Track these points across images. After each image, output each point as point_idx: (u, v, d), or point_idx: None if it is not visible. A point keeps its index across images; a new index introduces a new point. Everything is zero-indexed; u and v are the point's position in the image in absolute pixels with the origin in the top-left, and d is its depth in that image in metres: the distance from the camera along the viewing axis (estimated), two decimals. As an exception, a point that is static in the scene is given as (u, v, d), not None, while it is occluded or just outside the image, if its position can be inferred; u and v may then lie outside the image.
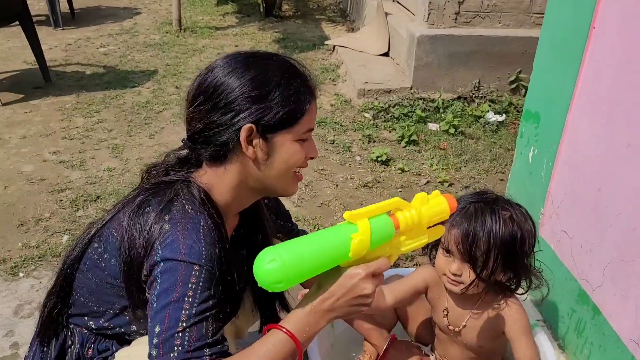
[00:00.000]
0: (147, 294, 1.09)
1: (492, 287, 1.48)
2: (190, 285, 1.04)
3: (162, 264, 1.06)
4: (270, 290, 0.98)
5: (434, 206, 1.09)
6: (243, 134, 1.12)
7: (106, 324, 1.24)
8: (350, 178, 3.03)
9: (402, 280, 1.66)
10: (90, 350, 1.25)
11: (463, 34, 3.71)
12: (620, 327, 1.49)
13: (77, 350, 1.24)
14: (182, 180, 1.19)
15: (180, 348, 1.01)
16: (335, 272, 1.05)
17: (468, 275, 1.41)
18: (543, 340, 1.65)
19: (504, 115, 3.65)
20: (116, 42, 5.11)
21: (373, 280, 1.05)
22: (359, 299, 1.06)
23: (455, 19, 3.73)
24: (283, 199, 2.69)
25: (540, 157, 1.90)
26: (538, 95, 1.94)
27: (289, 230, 1.63)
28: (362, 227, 0.99)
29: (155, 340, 1.02)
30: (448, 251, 1.43)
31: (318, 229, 2.58)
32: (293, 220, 1.70)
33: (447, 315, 1.57)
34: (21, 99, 3.83)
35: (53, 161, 3.06)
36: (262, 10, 6.05)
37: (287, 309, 1.51)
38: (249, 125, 1.12)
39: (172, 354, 1.00)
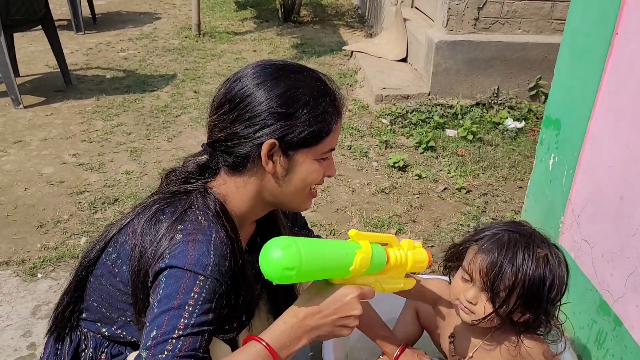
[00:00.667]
0: (150, 299, 1.08)
1: (507, 325, 1.37)
2: (192, 295, 1.03)
3: (167, 270, 1.05)
4: (276, 281, 0.98)
5: (418, 254, 1.18)
6: (264, 149, 1.11)
7: (118, 331, 1.23)
8: (367, 184, 3.02)
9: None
10: (104, 354, 1.24)
11: (482, 40, 3.68)
12: (642, 339, 1.46)
13: (90, 354, 1.24)
14: (199, 190, 1.17)
15: (170, 353, 0.99)
16: (326, 288, 1.08)
17: (483, 306, 1.32)
18: (565, 355, 1.61)
19: (523, 122, 3.61)
20: (136, 47, 5.17)
21: (360, 303, 1.08)
22: (346, 320, 1.08)
23: (475, 24, 3.71)
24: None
25: (560, 165, 1.87)
26: (559, 101, 1.92)
27: (306, 237, 1.62)
28: (364, 247, 1.05)
29: (149, 343, 1.00)
30: (469, 276, 1.34)
31: (334, 234, 2.57)
32: (309, 226, 1.69)
33: (453, 342, 1.50)
34: (42, 102, 3.89)
35: (72, 164, 3.09)
36: (280, 15, 6.08)
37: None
38: (272, 140, 1.11)
39: (160, 356, 0.99)
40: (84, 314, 1.26)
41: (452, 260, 1.45)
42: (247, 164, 1.15)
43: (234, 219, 1.18)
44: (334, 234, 2.57)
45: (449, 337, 1.51)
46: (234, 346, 1.22)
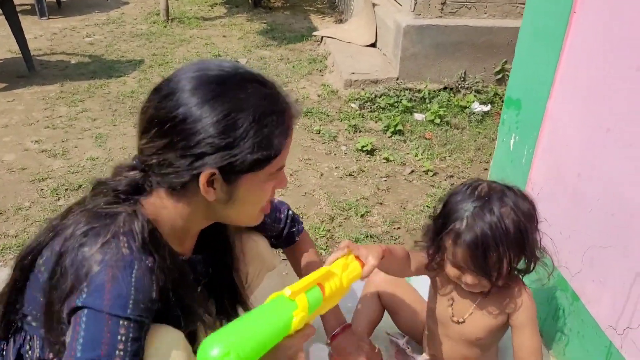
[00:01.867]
0: (66, 336, 1.00)
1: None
2: (120, 338, 0.96)
3: (85, 311, 0.97)
4: None
5: (351, 273, 1.19)
6: (203, 179, 1.01)
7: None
8: (336, 167, 3.02)
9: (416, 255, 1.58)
10: (52, 353, 1.15)
11: (449, 24, 3.70)
12: (598, 314, 1.49)
13: (37, 355, 1.15)
14: (127, 213, 1.05)
15: None
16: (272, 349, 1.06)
17: (485, 282, 1.39)
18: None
19: (489, 105, 3.65)
20: (102, 32, 5.06)
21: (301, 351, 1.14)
22: None
23: (442, 9, 3.72)
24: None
25: (521, 145, 1.90)
26: (519, 82, 1.94)
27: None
28: (300, 304, 1.05)
29: None
30: (459, 267, 1.39)
31: (302, 217, 2.57)
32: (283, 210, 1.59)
33: (452, 305, 1.53)
34: (4, 88, 3.78)
35: (35, 150, 3.02)
36: (250, 0, 6.01)
37: (243, 303, 1.44)
38: (210, 171, 1.00)
39: None
40: (27, 318, 1.16)
41: (435, 255, 1.47)
42: (186, 190, 1.05)
43: (165, 240, 1.09)
44: (301, 218, 2.56)
45: (448, 301, 1.54)
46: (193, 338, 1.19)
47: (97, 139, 3.16)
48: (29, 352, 1.17)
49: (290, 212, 1.60)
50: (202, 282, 1.30)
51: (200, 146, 0.99)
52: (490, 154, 3.17)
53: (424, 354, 1.72)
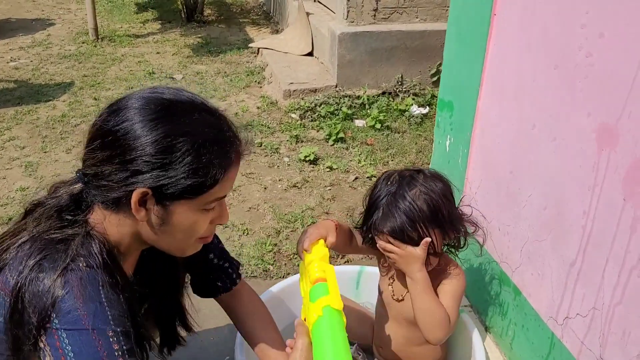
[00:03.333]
0: None
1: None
2: (117, 354, 0.95)
3: (64, 334, 0.93)
4: None
5: (321, 254, 1.31)
6: (134, 197, 0.99)
7: None
8: (279, 180, 2.99)
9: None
10: None
11: (383, 30, 3.75)
12: (539, 306, 1.53)
13: None
14: (81, 234, 1.03)
15: None
16: None
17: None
18: (470, 326, 1.67)
19: (428, 107, 3.72)
20: (28, 55, 4.85)
21: None
22: None
23: (374, 15, 3.77)
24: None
25: (456, 145, 1.93)
26: (450, 84, 1.97)
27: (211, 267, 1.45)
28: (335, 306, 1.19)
29: None
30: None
31: (247, 234, 2.52)
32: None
33: (392, 283, 1.58)
34: None
35: (-41, 184, 2.85)
36: (183, 15, 5.92)
37: (186, 326, 1.42)
38: (143, 190, 0.98)
39: None
40: None
41: (373, 248, 1.53)
42: (120, 208, 1.03)
43: (119, 260, 1.07)
44: (247, 234, 2.52)
45: (389, 279, 1.59)
46: None
47: (27, 168, 3.02)
48: None
49: (229, 261, 1.52)
50: (144, 306, 1.25)
51: (136, 163, 0.98)
52: (431, 156, 3.23)
53: (373, 359, 1.72)
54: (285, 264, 2.34)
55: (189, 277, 1.48)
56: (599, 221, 1.25)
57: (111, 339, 0.95)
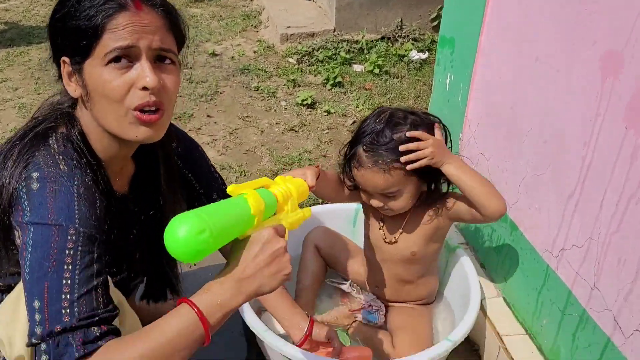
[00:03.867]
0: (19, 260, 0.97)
1: (423, 198, 1.51)
2: (67, 252, 0.92)
3: (31, 228, 0.94)
4: (185, 262, 0.85)
5: (296, 183, 1.11)
6: (62, 71, 1.03)
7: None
8: (276, 123, 2.97)
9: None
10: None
11: (383, -29, 3.65)
12: (535, 239, 1.54)
13: None
14: (58, 120, 1.06)
15: (68, 323, 0.89)
16: (242, 242, 0.97)
17: (393, 203, 1.46)
18: (465, 261, 1.69)
19: (427, 52, 3.66)
20: (18, -3, 4.73)
21: (281, 238, 0.97)
22: (276, 260, 0.95)
23: (374, -44, 3.66)
24: (207, 150, 2.61)
25: (456, 83, 1.90)
26: (451, 20, 1.93)
27: (198, 196, 1.42)
28: (249, 192, 0.97)
29: (37, 317, 0.89)
30: (365, 190, 1.47)
31: (245, 176, 2.52)
32: (216, 170, 1.48)
33: (382, 227, 1.58)
34: None
35: (-48, 125, 2.82)
36: (177, -42, 5.73)
37: (176, 292, 1.40)
38: (62, 59, 1.02)
39: (57, 328, 0.89)
40: None
41: (348, 180, 1.52)
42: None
43: (98, 154, 1.08)
44: (245, 175, 2.52)
45: (379, 222, 1.59)
46: (125, 287, 1.15)
47: (21, 109, 2.98)
48: None
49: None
50: (136, 228, 1.25)
51: (49, 33, 1.04)
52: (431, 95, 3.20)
53: (368, 293, 1.75)
54: (283, 204, 2.35)
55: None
56: (600, 151, 1.25)
57: (69, 237, 0.93)
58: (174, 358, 0.88)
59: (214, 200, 1.44)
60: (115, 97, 0.99)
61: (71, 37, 0.99)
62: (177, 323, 0.88)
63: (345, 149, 1.51)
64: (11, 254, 1.06)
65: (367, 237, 1.66)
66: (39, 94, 3.15)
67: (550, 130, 1.42)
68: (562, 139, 1.38)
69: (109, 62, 0.97)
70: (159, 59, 1.02)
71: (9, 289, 1.11)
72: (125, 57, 0.98)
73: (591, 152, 1.27)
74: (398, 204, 1.46)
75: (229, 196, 1.48)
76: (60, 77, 1.07)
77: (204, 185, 1.42)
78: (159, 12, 1.02)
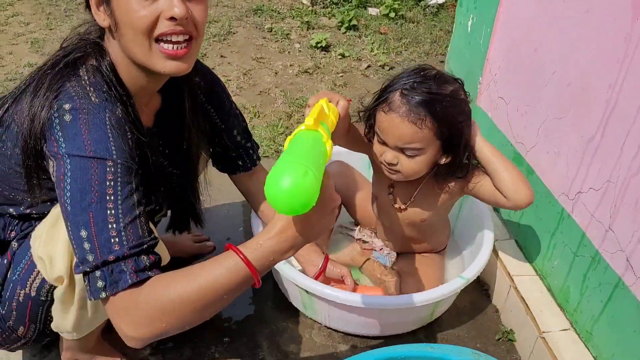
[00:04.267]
0: (55, 190, 0.99)
1: (438, 169, 1.43)
2: (108, 183, 0.95)
3: (68, 160, 0.96)
4: (300, 212, 0.82)
5: (332, 110, 1.15)
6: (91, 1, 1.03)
7: (27, 210, 1.17)
8: (290, 65, 2.94)
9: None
10: (13, 232, 1.18)
11: None
12: (551, 183, 1.55)
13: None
14: (89, 54, 1.06)
15: (119, 251, 0.93)
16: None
17: (406, 164, 1.36)
18: (477, 203, 1.71)
19: (445, -3, 3.58)
20: None
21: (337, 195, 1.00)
22: (332, 212, 0.98)
23: None
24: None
25: (479, 25, 1.87)
26: (477, -41, 1.88)
27: (220, 132, 1.44)
28: (322, 130, 0.98)
29: (87, 245, 0.93)
30: (383, 140, 1.36)
31: (258, 116, 2.52)
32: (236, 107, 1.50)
33: (392, 191, 1.54)
34: None
35: (-35, 58, 2.81)
36: None
37: (197, 218, 1.44)
38: None
39: (110, 257, 0.93)
40: None
41: (369, 123, 1.43)
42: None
43: (128, 87, 1.09)
44: (258, 116, 2.52)
45: (389, 188, 1.54)
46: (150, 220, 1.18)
47: (33, 44, 2.95)
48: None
49: (252, 143, 1.52)
50: (162, 161, 1.27)
51: None
52: (446, 47, 3.15)
53: (379, 240, 1.76)
54: (297, 145, 2.36)
55: (211, 151, 1.50)
56: (625, 94, 1.24)
57: (108, 168, 0.96)
58: (218, 300, 0.93)
59: (235, 137, 1.45)
60: (142, 27, 0.98)
61: None
62: (225, 266, 0.92)
63: (372, 97, 1.42)
64: (43, 182, 1.08)
65: (374, 197, 1.62)
66: (50, 29, 3.12)
67: (575, 72, 1.41)
68: (586, 82, 1.37)
69: None
70: None
71: (41, 217, 1.14)
72: None
73: (616, 94, 1.27)
74: (410, 165, 1.36)
75: (248, 134, 1.49)
76: (88, 6, 1.06)
77: (225, 121, 1.43)
78: None
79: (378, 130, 1.37)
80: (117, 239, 0.94)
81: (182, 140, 1.32)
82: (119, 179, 0.96)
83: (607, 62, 1.29)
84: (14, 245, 1.16)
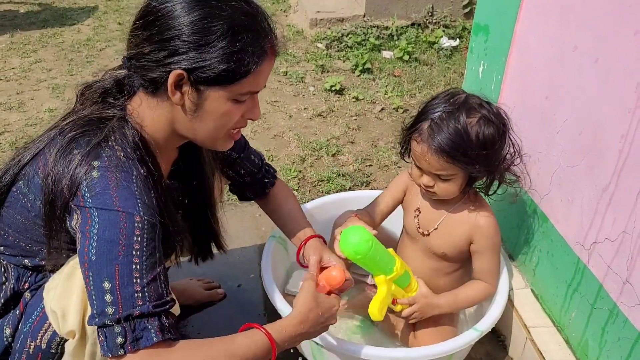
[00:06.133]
0: (76, 242, 1.01)
1: (470, 192, 1.51)
2: (135, 238, 0.97)
3: (96, 212, 0.98)
4: (352, 258, 1.31)
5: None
6: (171, 79, 1.02)
7: (42, 262, 1.17)
8: (304, 108, 2.97)
9: (383, 195, 1.66)
10: (27, 283, 1.19)
11: (415, -44, 3.60)
12: (566, 232, 1.52)
13: (12, 286, 1.18)
14: (117, 117, 1.08)
15: (142, 307, 0.96)
16: (320, 297, 1.27)
17: (441, 186, 1.43)
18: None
19: (458, 40, 3.61)
20: (51, -21, 4.78)
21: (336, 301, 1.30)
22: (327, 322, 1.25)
23: (407, -60, 3.61)
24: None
25: (489, 71, 1.87)
26: (487, 6, 1.89)
27: (234, 161, 1.51)
28: (399, 260, 1.42)
29: (109, 297, 0.95)
30: (418, 167, 1.44)
31: (272, 160, 2.54)
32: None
33: (418, 215, 1.57)
34: (-51, 41, 3.58)
35: (-11, 104, 2.89)
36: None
37: (219, 244, 1.50)
38: (179, 71, 1.02)
39: (136, 312, 0.96)
40: (1, 248, 1.19)
41: (405, 149, 1.51)
42: (158, 89, 1.07)
43: (152, 148, 1.11)
44: (272, 160, 2.53)
45: (415, 211, 1.58)
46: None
47: (54, 90, 3.04)
48: (5, 284, 1.17)
49: (266, 162, 1.59)
50: (180, 211, 1.28)
51: (173, 42, 1.01)
52: (460, 89, 3.16)
53: None
54: (310, 190, 2.36)
55: (228, 186, 1.55)
56: (637, 144, 1.22)
57: (136, 224, 0.98)
58: None
59: (253, 160, 1.53)
60: (227, 125, 1.12)
61: (215, 69, 1.03)
62: (251, 339, 1.09)
63: (409, 121, 1.49)
64: (62, 235, 1.09)
65: (404, 223, 1.66)
66: (72, 75, 3.21)
67: (587, 121, 1.40)
68: (598, 131, 1.36)
69: (235, 99, 1.07)
70: None
71: (55, 269, 1.15)
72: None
73: (628, 144, 1.25)
74: (446, 187, 1.43)
75: (259, 155, 1.59)
76: (162, 81, 1.05)
77: (240, 151, 1.49)
78: None
79: (413, 156, 1.45)
80: (140, 295, 0.96)
81: (202, 179, 1.35)
82: (145, 235, 0.99)
83: (618, 112, 1.28)
84: (27, 296, 1.17)
